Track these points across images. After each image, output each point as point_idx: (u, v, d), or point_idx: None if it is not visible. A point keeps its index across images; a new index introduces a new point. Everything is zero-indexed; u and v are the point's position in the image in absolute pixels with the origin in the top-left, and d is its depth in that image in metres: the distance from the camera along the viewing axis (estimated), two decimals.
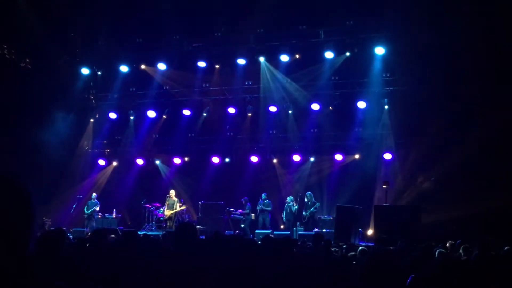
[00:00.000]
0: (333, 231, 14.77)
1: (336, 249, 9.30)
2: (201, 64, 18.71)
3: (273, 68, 18.20)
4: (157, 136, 20.13)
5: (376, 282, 4.49)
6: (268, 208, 17.01)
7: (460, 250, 8.18)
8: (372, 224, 14.82)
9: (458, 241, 8.69)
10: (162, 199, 17.93)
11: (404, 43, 16.22)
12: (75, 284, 3.66)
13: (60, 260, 4.02)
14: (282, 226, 17.41)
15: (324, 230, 15.38)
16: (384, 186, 15.06)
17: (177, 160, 19.68)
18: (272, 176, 18.77)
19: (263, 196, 17.14)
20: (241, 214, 17.35)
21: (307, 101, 18.06)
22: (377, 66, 17.01)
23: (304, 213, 16.35)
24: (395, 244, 8.90)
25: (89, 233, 15.03)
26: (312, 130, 18.44)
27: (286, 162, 18.75)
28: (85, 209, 17.70)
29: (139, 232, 13.53)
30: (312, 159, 18.30)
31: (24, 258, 1.45)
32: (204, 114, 19.49)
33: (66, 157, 19.58)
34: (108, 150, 20.71)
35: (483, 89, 14.99)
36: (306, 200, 16.44)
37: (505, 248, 7.44)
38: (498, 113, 14.70)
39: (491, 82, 14.97)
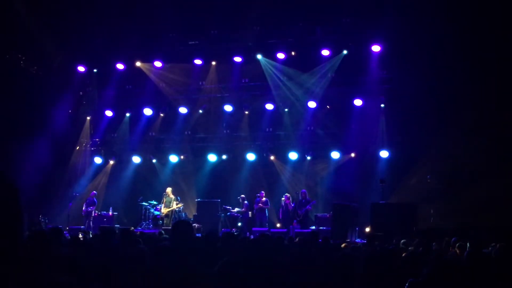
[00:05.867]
0: (329, 228, 14.81)
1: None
2: (198, 61, 18.73)
3: (273, 63, 18.20)
4: (153, 134, 20.10)
5: (374, 280, 4.50)
6: (265, 206, 17.01)
7: (456, 248, 8.20)
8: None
9: (453, 239, 8.71)
10: (159, 197, 17.92)
11: (401, 40, 16.25)
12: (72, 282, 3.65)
13: (56, 258, 4.01)
14: (278, 225, 17.43)
15: (320, 228, 15.40)
16: (381, 184, 15.11)
17: (173, 158, 19.66)
18: (269, 174, 18.77)
19: (260, 194, 17.14)
20: (237, 212, 17.36)
21: (303, 98, 18.09)
22: (373, 63, 17.03)
23: (299, 211, 16.37)
24: (389, 242, 8.92)
25: (84, 232, 15.02)
26: (308, 128, 18.44)
27: (283, 160, 18.75)
28: (84, 206, 17.73)
29: (135, 230, 13.55)
30: (308, 157, 18.31)
31: (15, 254, 1.45)
32: (200, 112, 19.47)
33: (63, 155, 19.56)
34: (105, 148, 20.67)
35: (482, 86, 15.02)
36: (300, 198, 16.46)
37: (497, 245, 7.46)
38: (498, 111, 14.76)
39: (490, 79, 14.99)
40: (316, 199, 17.13)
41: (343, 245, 9.06)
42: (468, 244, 7.74)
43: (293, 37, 17.78)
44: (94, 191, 18.39)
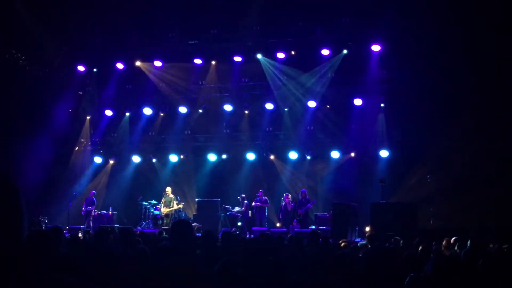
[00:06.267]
0: (329, 228, 14.81)
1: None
2: (197, 61, 18.73)
3: (273, 62, 18.21)
4: (153, 133, 20.09)
5: (374, 279, 4.50)
6: (264, 205, 17.00)
7: (456, 247, 8.21)
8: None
9: (453, 238, 8.71)
10: (159, 196, 17.92)
11: (401, 40, 16.24)
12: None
13: (56, 257, 4.01)
14: (278, 224, 17.42)
15: (320, 227, 15.40)
16: (381, 184, 15.11)
17: (173, 158, 19.66)
18: (269, 174, 18.76)
19: (259, 193, 17.13)
20: (237, 211, 17.35)
21: (303, 98, 18.10)
22: (373, 63, 17.04)
23: (299, 210, 16.36)
24: (389, 241, 8.91)
25: (84, 231, 15.04)
26: (308, 128, 18.44)
27: (283, 160, 18.75)
28: (83, 206, 17.73)
29: (135, 229, 13.56)
30: (308, 157, 18.31)
31: (15, 254, 1.45)
32: (200, 111, 19.47)
33: (63, 154, 19.56)
34: (105, 147, 20.66)
35: (482, 86, 15.02)
36: (300, 197, 16.45)
37: (495, 245, 7.47)
38: (498, 111, 14.76)
39: (490, 79, 14.99)
40: (316, 198, 17.11)
41: (342, 244, 9.07)
42: (469, 242, 7.74)
43: (293, 36, 17.77)
44: (93, 191, 18.38)
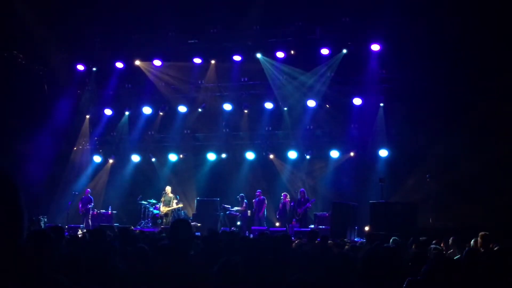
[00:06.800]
0: (329, 227, 14.81)
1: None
2: (197, 60, 18.73)
3: (272, 62, 18.21)
4: (153, 132, 20.09)
5: (372, 279, 4.50)
6: (263, 205, 16.99)
7: (454, 247, 8.21)
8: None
9: (452, 238, 8.71)
10: (158, 195, 17.92)
11: (400, 40, 16.24)
12: (71, 280, 3.64)
13: (57, 257, 4.01)
14: (277, 224, 17.42)
15: (320, 227, 15.40)
16: (380, 183, 15.10)
17: (173, 157, 19.65)
18: (268, 173, 18.77)
19: (257, 193, 17.12)
20: (237, 211, 17.34)
21: (303, 97, 18.10)
22: (373, 63, 17.04)
23: (298, 210, 16.36)
24: (388, 241, 8.91)
25: (84, 230, 15.04)
26: (308, 127, 18.44)
27: (282, 159, 18.75)
28: (80, 205, 17.73)
29: (134, 229, 13.55)
30: (308, 156, 18.30)
31: (15, 253, 1.44)
32: (200, 110, 19.46)
33: (62, 153, 19.56)
34: (104, 146, 20.66)
35: (482, 85, 15.03)
36: (299, 197, 16.45)
37: (494, 245, 7.48)
38: (498, 110, 14.77)
39: (490, 78, 14.99)
40: (315, 198, 17.10)
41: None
42: (472, 241, 7.75)
43: (292, 36, 17.78)
44: (88, 189, 18.37)
